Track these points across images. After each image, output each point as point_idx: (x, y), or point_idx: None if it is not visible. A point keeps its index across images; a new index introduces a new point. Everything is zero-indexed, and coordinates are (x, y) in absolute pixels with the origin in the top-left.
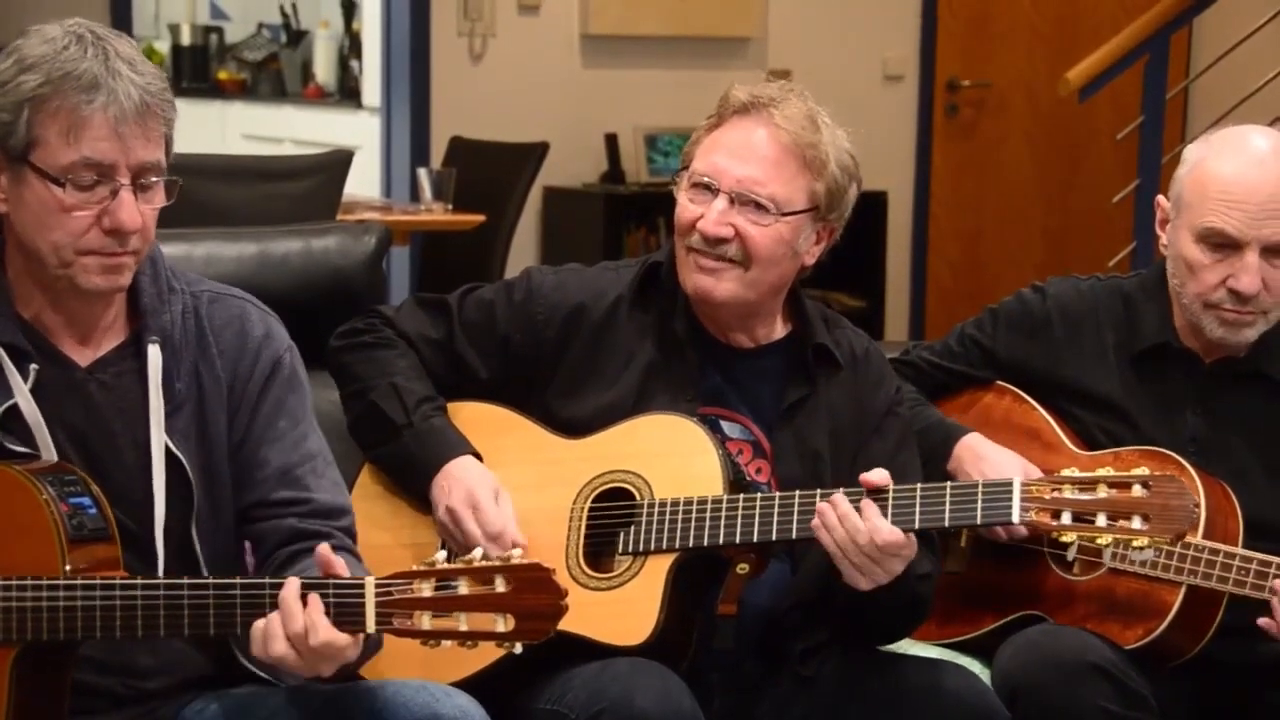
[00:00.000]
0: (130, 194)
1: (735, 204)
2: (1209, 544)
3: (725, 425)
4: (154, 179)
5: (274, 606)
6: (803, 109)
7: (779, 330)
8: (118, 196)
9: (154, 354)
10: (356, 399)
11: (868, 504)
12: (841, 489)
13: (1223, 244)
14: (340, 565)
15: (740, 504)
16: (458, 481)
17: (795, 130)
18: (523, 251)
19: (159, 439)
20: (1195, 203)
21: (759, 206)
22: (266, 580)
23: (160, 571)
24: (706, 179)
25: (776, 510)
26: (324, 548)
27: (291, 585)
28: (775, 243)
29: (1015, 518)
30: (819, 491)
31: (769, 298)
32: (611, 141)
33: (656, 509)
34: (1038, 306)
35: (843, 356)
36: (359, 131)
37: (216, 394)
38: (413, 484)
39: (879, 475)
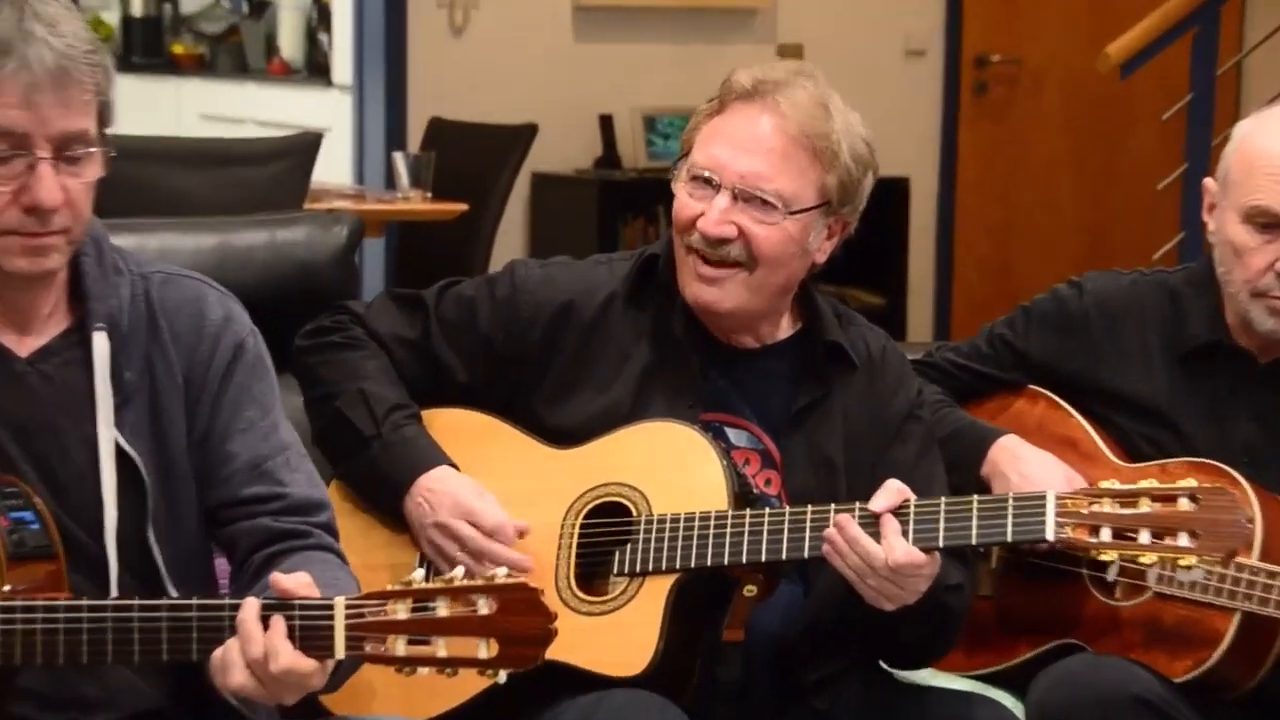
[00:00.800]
0: (50, 168)
1: (738, 201)
2: (1265, 565)
3: (730, 432)
4: (81, 150)
5: (234, 630)
6: (812, 94)
7: (787, 328)
8: (35, 171)
9: (100, 342)
10: (322, 406)
11: (886, 520)
12: (856, 506)
13: (1271, 224)
14: (305, 586)
15: (747, 520)
16: (440, 493)
17: (803, 119)
18: (508, 244)
19: (108, 435)
20: (1241, 180)
21: (764, 204)
22: (225, 601)
23: (113, 584)
24: (707, 173)
25: (787, 527)
26: (277, 577)
27: (250, 607)
28: (783, 242)
29: (1049, 535)
30: (833, 507)
31: (777, 299)
32: (606, 123)
33: (655, 526)
34: (1075, 304)
35: (858, 356)
36: (328, 112)
37: (172, 384)
38: (383, 499)
39: (889, 496)
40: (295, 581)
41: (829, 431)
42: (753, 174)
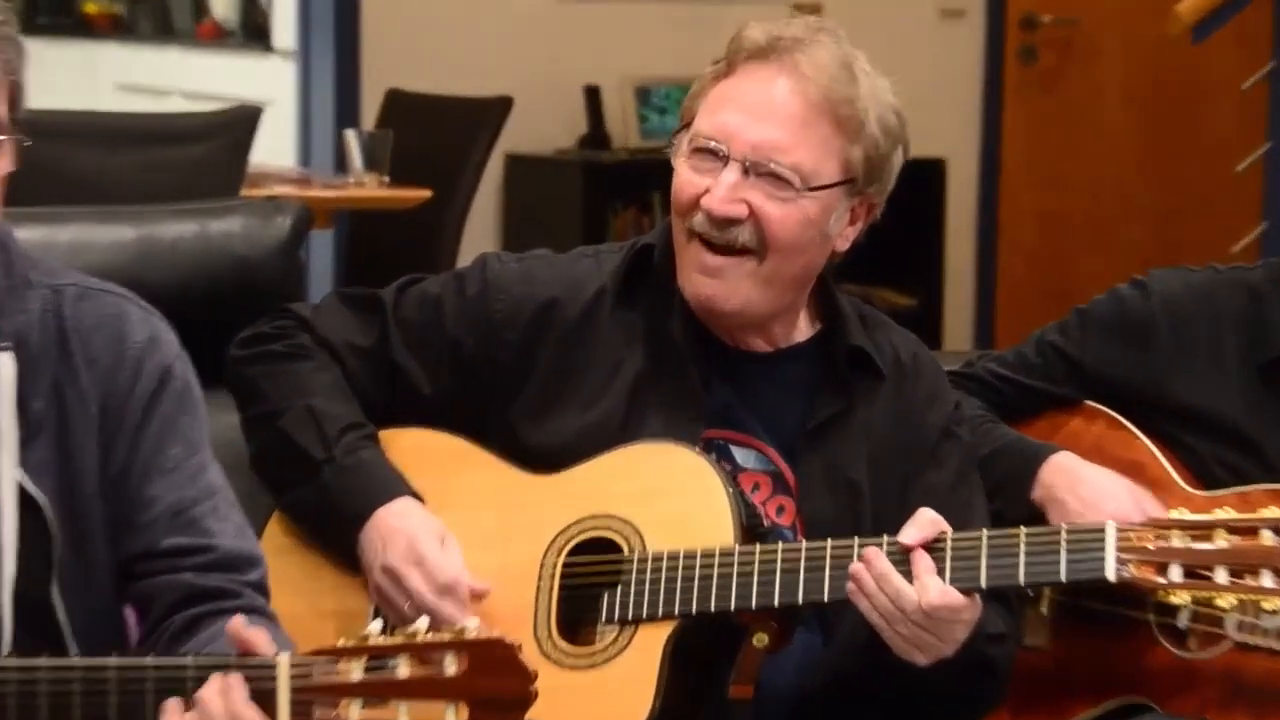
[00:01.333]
0: None
1: (750, 175)
2: None
3: (737, 452)
4: None
5: (159, 692)
6: (835, 53)
7: (804, 330)
8: None
9: (4, 364)
10: (262, 426)
11: (919, 556)
12: (884, 540)
13: None
14: (261, 642)
15: (756, 558)
16: (395, 532)
17: (826, 81)
18: (479, 236)
19: (10, 474)
20: None
21: (779, 179)
22: (149, 662)
23: (6, 646)
24: (713, 143)
25: (803, 564)
26: (237, 621)
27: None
28: (800, 224)
29: (1110, 573)
30: (856, 541)
31: (791, 293)
32: (593, 95)
33: (650, 565)
34: (1138, 306)
35: (885, 363)
36: (268, 82)
37: (85, 416)
38: (335, 536)
39: (923, 528)
40: (257, 636)
41: (851, 451)
42: (767, 143)
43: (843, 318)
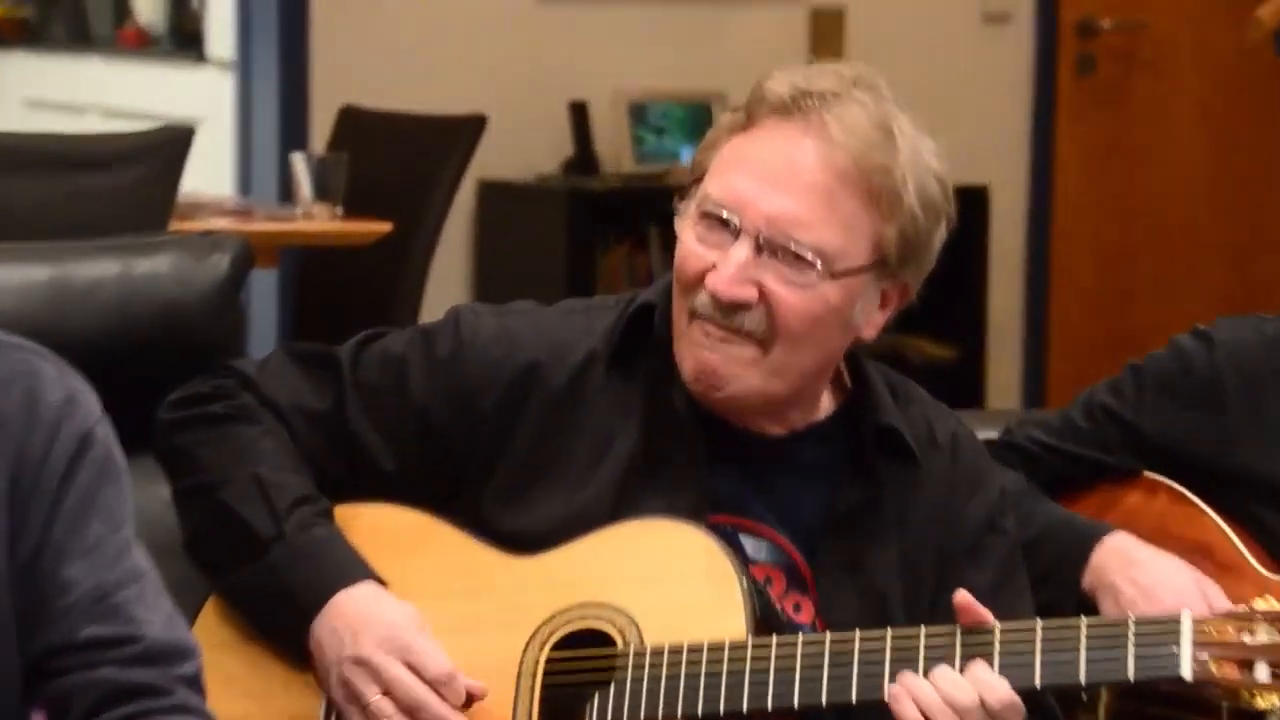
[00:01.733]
0: None
1: (763, 253)
2: None
3: (747, 541)
4: None
5: None
6: (872, 113)
7: (825, 405)
8: None
9: None
10: (199, 499)
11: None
12: (922, 630)
13: None
14: None
15: (773, 653)
16: (367, 620)
17: (858, 148)
18: (448, 276)
19: None
20: None
21: (797, 259)
22: None
23: None
24: (724, 212)
25: (827, 661)
26: None
27: None
28: (817, 314)
29: (1186, 672)
30: (890, 631)
31: (806, 382)
32: (579, 113)
33: (648, 660)
34: (1202, 362)
35: (919, 444)
36: (202, 97)
37: None
38: (284, 625)
39: (968, 617)
40: None
41: (880, 545)
42: (785, 217)
43: (870, 391)
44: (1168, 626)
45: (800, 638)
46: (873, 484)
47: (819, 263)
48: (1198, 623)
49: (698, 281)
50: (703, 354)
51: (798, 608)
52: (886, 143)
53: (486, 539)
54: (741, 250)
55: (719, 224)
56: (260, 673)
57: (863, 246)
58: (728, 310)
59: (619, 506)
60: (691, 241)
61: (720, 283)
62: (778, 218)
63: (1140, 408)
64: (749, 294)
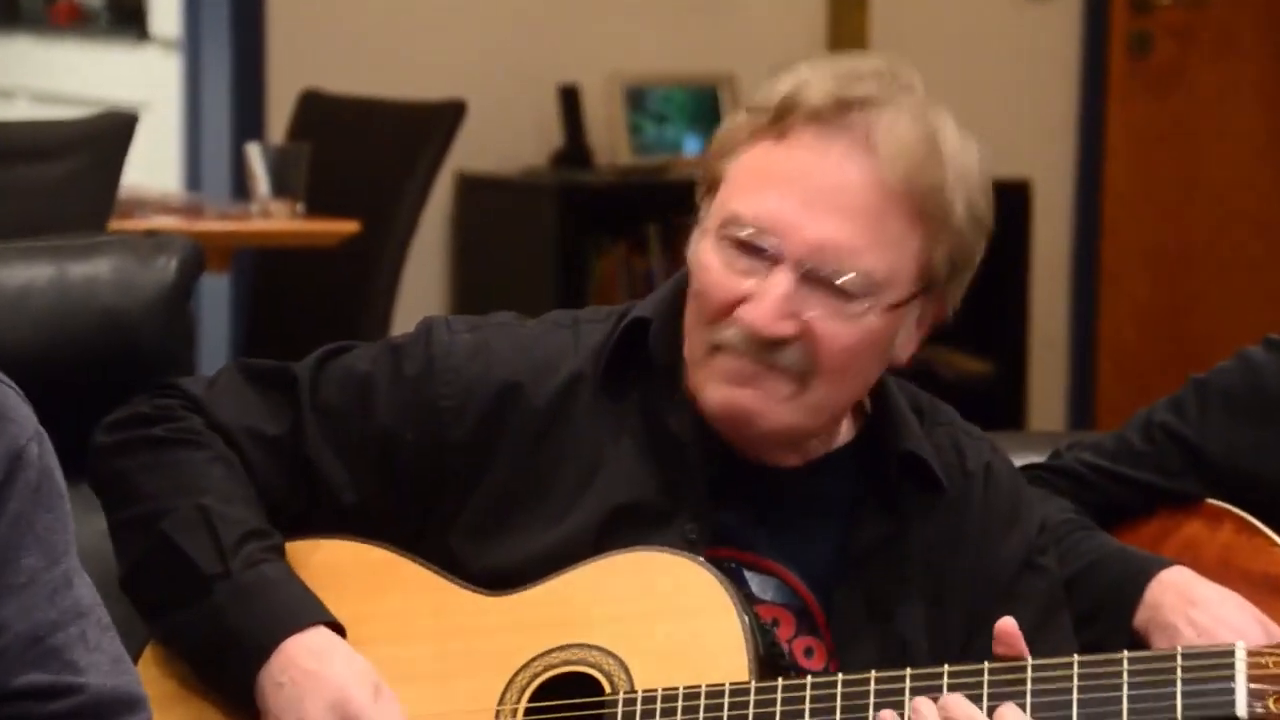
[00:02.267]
0: None
1: (805, 283)
2: None
3: (752, 578)
4: None
5: None
6: (919, 121)
7: (844, 432)
8: None
9: None
10: (137, 531)
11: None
12: (945, 669)
13: None
14: None
15: (778, 696)
16: (315, 678)
17: (909, 164)
18: (422, 281)
19: None
20: None
21: (842, 291)
22: None
23: None
24: (761, 240)
25: (839, 705)
26: None
27: None
28: (863, 344)
29: (1240, 709)
30: (909, 672)
31: (839, 413)
32: (570, 99)
33: (640, 706)
34: (1273, 376)
35: (947, 472)
36: (146, 80)
37: None
38: (228, 673)
39: (1000, 649)
40: None
41: (902, 587)
42: (833, 244)
43: (893, 414)
44: (1220, 660)
45: (809, 679)
46: (895, 518)
47: (868, 293)
48: (1253, 655)
49: (726, 313)
50: (732, 391)
51: (809, 652)
52: (936, 156)
53: (457, 577)
54: (782, 280)
55: (752, 249)
56: None
57: (910, 270)
58: (763, 346)
59: (600, 540)
60: (718, 267)
61: (761, 317)
62: (824, 244)
63: (1204, 427)
64: (791, 329)
